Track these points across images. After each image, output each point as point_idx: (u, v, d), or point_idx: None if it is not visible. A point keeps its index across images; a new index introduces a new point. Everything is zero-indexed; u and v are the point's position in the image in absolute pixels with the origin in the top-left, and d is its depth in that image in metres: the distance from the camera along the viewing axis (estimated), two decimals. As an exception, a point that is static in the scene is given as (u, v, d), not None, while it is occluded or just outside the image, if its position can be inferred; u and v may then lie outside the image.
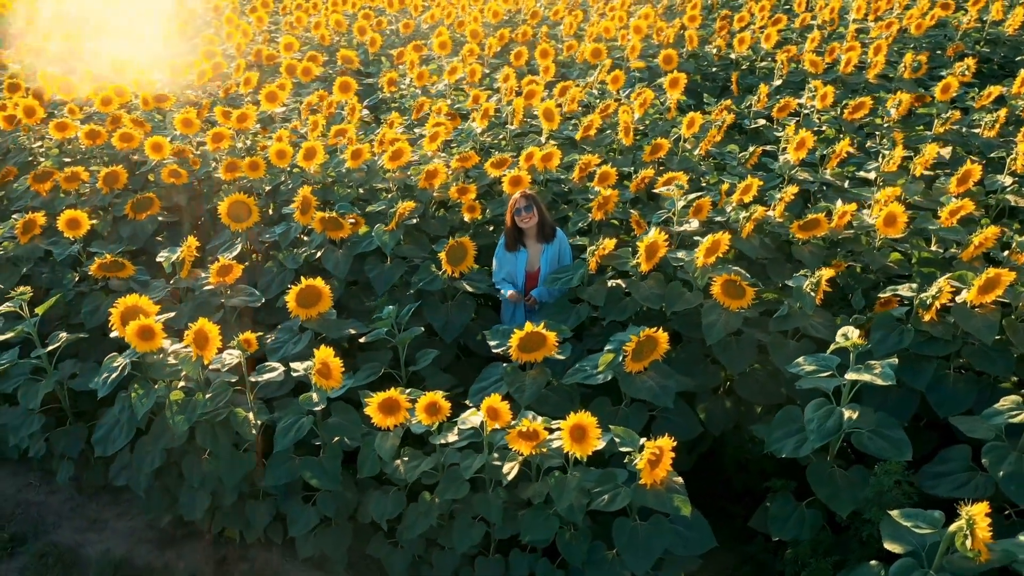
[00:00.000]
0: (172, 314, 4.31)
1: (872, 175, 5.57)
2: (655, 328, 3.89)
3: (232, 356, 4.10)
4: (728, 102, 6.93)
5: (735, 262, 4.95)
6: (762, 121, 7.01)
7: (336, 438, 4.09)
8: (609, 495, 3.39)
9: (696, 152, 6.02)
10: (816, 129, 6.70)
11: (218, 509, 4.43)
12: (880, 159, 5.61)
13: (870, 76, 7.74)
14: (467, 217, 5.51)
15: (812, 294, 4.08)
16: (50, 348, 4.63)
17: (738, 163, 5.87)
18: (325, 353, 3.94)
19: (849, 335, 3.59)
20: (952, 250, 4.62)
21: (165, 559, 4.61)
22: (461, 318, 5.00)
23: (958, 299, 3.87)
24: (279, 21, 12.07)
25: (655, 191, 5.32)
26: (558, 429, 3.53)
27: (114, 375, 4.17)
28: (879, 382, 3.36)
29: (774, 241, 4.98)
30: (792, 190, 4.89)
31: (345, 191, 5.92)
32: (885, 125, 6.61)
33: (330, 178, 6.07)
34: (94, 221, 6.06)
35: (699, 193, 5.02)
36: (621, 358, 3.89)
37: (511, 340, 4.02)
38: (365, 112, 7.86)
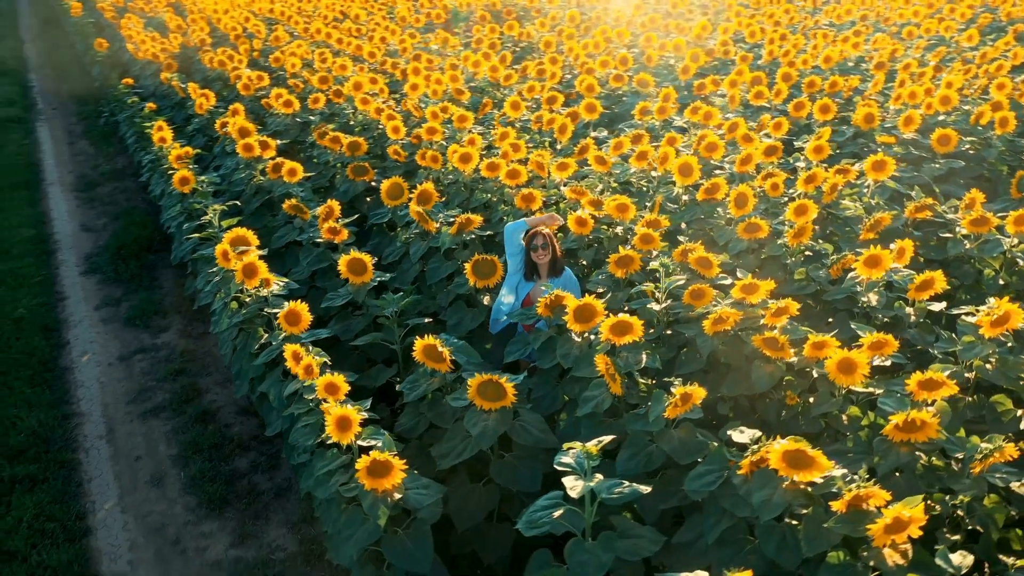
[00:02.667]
0: (255, 249, 5.81)
1: (969, 319, 4.53)
2: (514, 378, 4.18)
3: (261, 290, 5.50)
4: (929, 200, 5.95)
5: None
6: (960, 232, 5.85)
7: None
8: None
9: (783, 240, 5.47)
10: (1010, 255, 5.43)
11: (255, 398, 5.95)
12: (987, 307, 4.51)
13: None
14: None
15: (663, 405, 3.87)
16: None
17: (824, 267, 5.21)
18: (299, 307, 5.09)
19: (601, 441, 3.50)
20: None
21: (231, 421, 6.32)
22: (470, 323, 5.65)
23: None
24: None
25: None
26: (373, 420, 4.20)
27: (213, 280, 5.91)
28: (569, 493, 3.31)
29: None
30: (789, 305, 4.38)
31: (483, 196, 6.84)
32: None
33: (481, 182, 7.03)
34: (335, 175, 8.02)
35: (692, 279, 4.80)
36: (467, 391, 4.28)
37: (416, 344, 4.65)
38: (603, 134, 8.49)
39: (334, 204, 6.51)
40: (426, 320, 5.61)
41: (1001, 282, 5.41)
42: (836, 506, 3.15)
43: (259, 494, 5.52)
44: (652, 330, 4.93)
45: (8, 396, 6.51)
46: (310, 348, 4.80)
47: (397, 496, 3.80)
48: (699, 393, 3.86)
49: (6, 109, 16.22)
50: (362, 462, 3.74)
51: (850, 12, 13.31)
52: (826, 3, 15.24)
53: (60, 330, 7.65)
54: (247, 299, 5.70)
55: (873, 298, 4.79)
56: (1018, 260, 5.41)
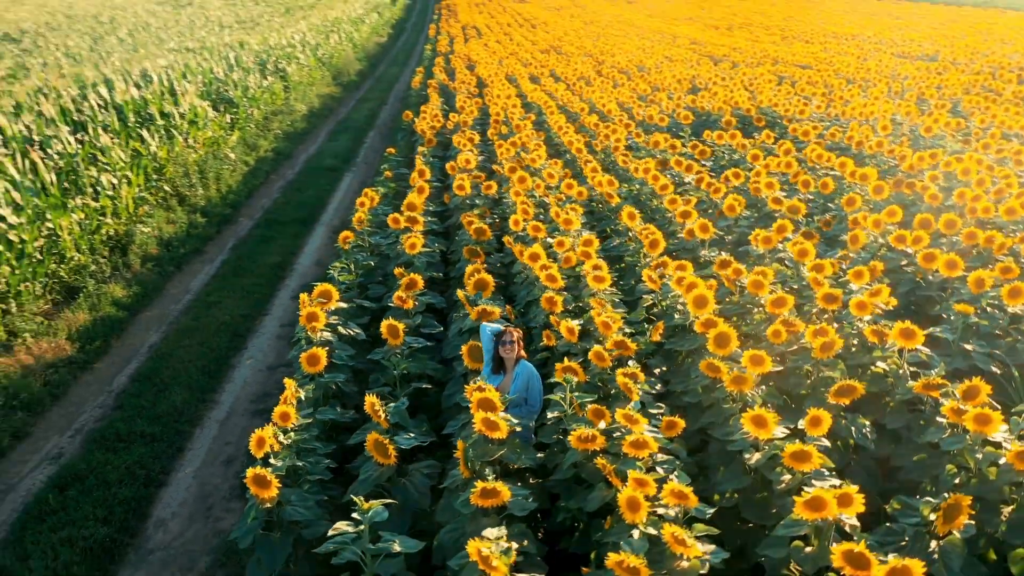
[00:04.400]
0: (334, 302, 7.39)
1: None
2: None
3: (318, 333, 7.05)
4: (937, 380, 5.64)
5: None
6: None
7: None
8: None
9: (723, 385, 5.57)
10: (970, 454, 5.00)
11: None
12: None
13: None
14: (544, 341, 6.80)
15: (468, 494, 4.56)
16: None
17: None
18: (319, 352, 6.52)
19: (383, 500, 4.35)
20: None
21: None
22: (459, 396, 6.59)
23: None
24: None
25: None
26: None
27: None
28: (329, 532, 4.23)
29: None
30: (648, 440, 4.75)
31: (537, 292, 7.74)
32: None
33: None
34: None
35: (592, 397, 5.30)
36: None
37: (366, 399, 5.79)
38: (713, 254, 8.84)
39: (417, 278, 7.91)
40: (426, 385, 6.73)
41: (957, 481, 5.01)
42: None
43: (280, 492, 7.00)
44: (557, 436, 5.52)
45: (180, 376, 8.86)
46: (298, 387, 6.18)
47: (268, 505, 4.98)
48: (505, 493, 4.52)
49: (331, 159, 20.32)
50: (250, 472, 4.99)
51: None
52: None
53: (246, 337, 10.02)
54: (314, 338, 7.30)
55: (756, 456, 4.88)
56: (978, 462, 4.96)
